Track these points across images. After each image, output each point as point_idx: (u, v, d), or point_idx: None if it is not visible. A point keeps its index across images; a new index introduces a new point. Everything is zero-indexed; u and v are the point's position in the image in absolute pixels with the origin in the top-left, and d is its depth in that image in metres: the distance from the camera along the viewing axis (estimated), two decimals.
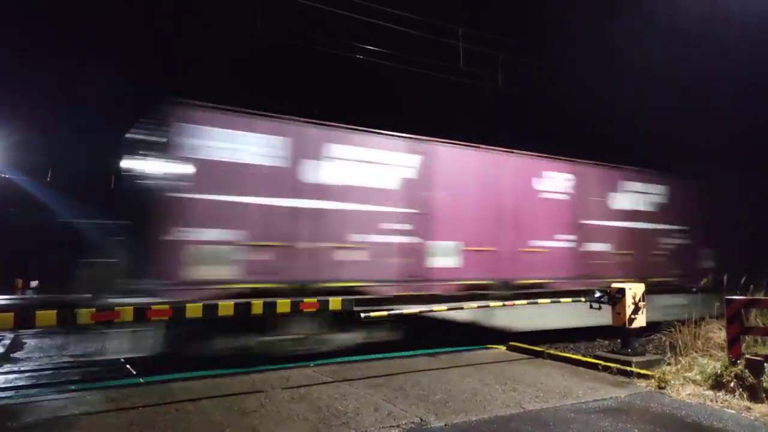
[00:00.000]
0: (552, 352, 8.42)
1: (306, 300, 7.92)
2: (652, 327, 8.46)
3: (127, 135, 8.97)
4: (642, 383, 6.65)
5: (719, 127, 14.68)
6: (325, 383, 6.58)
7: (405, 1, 11.45)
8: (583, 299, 8.49)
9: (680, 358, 7.19)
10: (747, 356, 6.23)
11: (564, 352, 8.64)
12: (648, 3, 14.84)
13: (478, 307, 8.52)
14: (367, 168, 8.97)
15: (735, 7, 12.99)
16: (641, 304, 7.84)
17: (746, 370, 6.08)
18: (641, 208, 12.32)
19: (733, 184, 13.34)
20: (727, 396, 5.94)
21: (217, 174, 7.72)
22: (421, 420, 5.19)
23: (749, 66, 14.17)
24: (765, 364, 6.00)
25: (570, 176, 11.29)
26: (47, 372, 8.20)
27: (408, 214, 9.23)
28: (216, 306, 7.31)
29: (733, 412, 5.55)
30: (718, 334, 7.39)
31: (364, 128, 9.11)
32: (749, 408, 5.60)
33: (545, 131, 15.85)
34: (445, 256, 9.50)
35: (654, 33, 14.61)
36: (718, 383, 6.19)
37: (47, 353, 9.85)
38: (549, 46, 16.03)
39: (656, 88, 15.91)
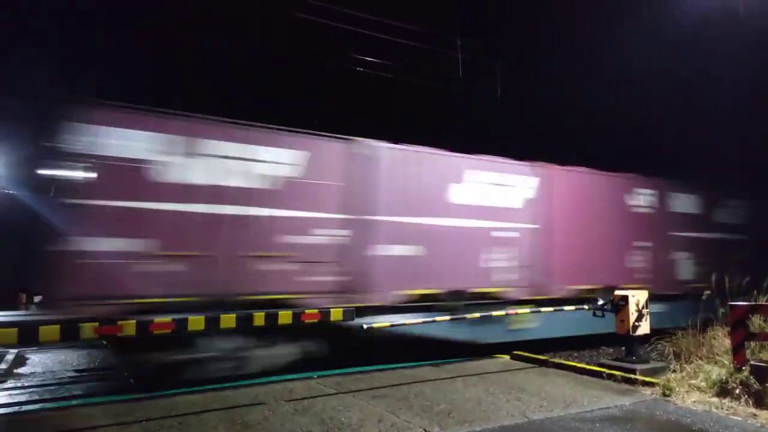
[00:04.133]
0: (556, 360, 8.39)
1: (308, 311, 7.88)
2: None
3: None
4: (647, 391, 6.62)
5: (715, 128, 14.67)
6: (328, 395, 6.57)
7: (399, 10, 11.55)
8: (586, 307, 8.48)
9: (685, 365, 7.15)
10: (752, 362, 6.20)
11: (568, 360, 8.61)
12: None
13: (480, 316, 8.47)
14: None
15: (733, 7, 12.98)
16: (645, 311, 7.82)
17: (751, 377, 6.05)
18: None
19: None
20: (733, 403, 5.90)
21: None
22: (425, 431, 5.18)
23: (748, 66, 14.15)
24: None
25: None
26: (51, 387, 8.20)
27: None
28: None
29: (739, 419, 5.51)
30: (722, 340, 7.33)
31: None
32: (755, 415, 5.57)
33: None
34: None
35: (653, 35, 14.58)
36: (723, 390, 6.16)
37: (50, 368, 9.85)
38: (546, 50, 16.06)
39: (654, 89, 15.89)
